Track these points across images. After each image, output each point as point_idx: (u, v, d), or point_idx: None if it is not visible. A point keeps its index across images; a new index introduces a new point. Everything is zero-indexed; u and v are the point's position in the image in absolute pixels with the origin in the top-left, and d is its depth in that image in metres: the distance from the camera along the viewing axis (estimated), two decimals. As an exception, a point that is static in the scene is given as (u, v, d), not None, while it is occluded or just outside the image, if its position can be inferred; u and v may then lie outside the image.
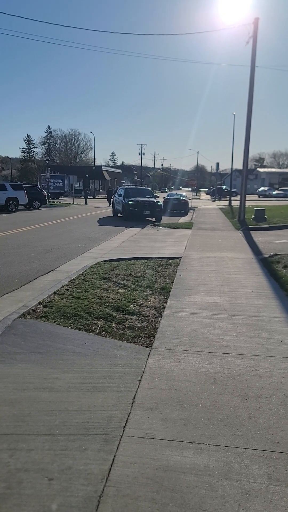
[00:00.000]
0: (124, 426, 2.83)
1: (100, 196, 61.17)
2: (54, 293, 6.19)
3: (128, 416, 2.96)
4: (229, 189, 51.64)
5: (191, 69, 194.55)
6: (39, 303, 5.65)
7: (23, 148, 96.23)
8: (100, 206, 34.29)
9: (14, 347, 4.25)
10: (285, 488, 2.28)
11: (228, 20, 44.51)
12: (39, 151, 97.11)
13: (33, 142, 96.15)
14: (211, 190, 69.13)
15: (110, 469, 2.40)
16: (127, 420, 2.90)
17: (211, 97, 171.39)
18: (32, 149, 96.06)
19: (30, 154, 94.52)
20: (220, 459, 2.51)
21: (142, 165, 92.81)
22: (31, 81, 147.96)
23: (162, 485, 2.28)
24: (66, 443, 2.64)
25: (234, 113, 54.93)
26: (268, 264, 8.79)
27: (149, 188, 26.34)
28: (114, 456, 2.52)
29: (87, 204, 37.77)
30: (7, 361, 3.90)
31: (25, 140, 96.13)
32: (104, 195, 48.26)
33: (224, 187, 68.56)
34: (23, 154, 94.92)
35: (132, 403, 3.14)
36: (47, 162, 57.62)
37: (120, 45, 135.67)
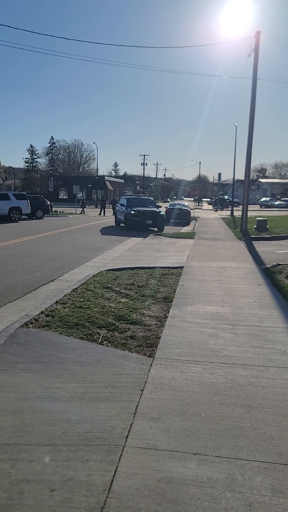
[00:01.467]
0: (127, 437, 2.81)
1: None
2: (57, 302, 6.20)
3: (131, 426, 2.94)
4: (231, 199, 51.77)
5: (193, 81, 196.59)
6: (42, 312, 5.65)
7: (27, 158, 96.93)
8: (99, 216, 34.55)
9: (16, 356, 4.25)
10: (289, 501, 2.25)
11: (230, 34, 45.12)
12: (42, 161, 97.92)
13: (36, 152, 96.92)
14: (213, 200, 69.36)
15: (112, 480, 2.38)
16: (129, 431, 2.89)
17: (213, 108, 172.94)
18: (35, 159, 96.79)
19: (34, 164, 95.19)
20: (223, 471, 2.49)
21: (145, 175, 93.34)
22: (34, 92, 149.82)
23: (165, 497, 2.26)
24: (68, 454, 2.62)
25: (236, 124, 55.18)
26: (270, 274, 8.78)
27: (151, 198, 26.45)
28: (116, 467, 2.50)
29: (85, 214, 37.89)
30: (9, 370, 3.90)
31: (28, 150, 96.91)
32: (108, 205, 48.50)
33: (226, 197, 68.78)
34: (26, 164, 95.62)
35: (135, 413, 3.12)
36: (50, 172, 57.98)
37: (122, 57, 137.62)
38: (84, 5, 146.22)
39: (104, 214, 35.68)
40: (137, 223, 20.23)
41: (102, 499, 2.23)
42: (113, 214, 33.24)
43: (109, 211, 36.64)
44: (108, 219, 28.56)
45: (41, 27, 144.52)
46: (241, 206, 22.83)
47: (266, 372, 3.94)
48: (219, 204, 56.59)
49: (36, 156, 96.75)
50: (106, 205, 37.56)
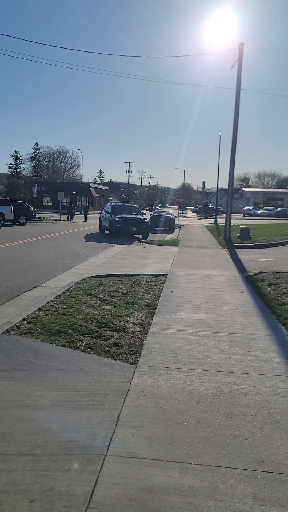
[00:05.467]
0: (108, 445, 2.78)
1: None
2: (39, 309, 6.12)
3: (113, 434, 2.91)
4: (215, 207, 52.32)
5: (179, 90, 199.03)
6: (24, 319, 5.57)
7: (11, 164, 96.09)
8: (81, 221, 34.82)
9: (-3, 364, 4.16)
10: (270, 508, 2.26)
11: (214, 45, 45.91)
12: (26, 167, 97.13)
13: (20, 158, 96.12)
14: (197, 208, 69.95)
15: (93, 490, 2.34)
16: (111, 439, 2.85)
17: (198, 118, 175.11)
18: (19, 165, 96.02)
19: (18, 170, 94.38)
20: (205, 479, 2.48)
21: (130, 182, 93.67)
22: (19, 98, 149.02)
23: (146, 506, 2.24)
24: (49, 464, 2.58)
25: (220, 134, 56.13)
26: (253, 282, 8.87)
27: (136, 205, 26.51)
28: (98, 476, 2.46)
29: (72, 220, 38.26)
30: (-11, 379, 3.81)
31: (12, 156, 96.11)
32: (91, 212, 48.92)
33: (210, 205, 69.42)
34: (10, 170, 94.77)
35: (117, 422, 3.09)
36: (34, 178, 57.47)
37: (108, 66, 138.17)
38: (69, 14, 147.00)
39: (71, 220, 37.92)
40: (122, 230, 20.23)
41: (83, 509, 2.19)
42: (84, 221, 34.83)
43: (79, 218, 38.51)
44: (90, 226, 28.45)
45: (26, 35, 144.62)
46: (224, 215, 23.07)
47: (248, 379, 3.96)
48: (203, 212, 57.10)
49: (20, 162, 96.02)
50: (76, 212, 39.67)
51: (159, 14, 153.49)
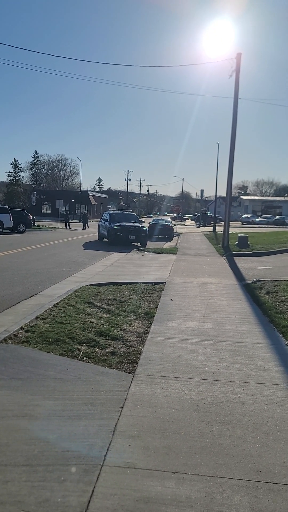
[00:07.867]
0: (105, 455, 2.76)
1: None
2: (37, 317, 6.11)
3: (109, 444, 2.90)
4: (213, 215, 52.51)
5: (177, 99, 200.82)
6: (21, 328, 5.56)
7: (10, 172, 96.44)
8: (80, 229, 35.02)
9: (-6, 373, 4.15)
10: (267, 519, 2.24)
11: (212, 54, 46.14)
12: (25, 175, 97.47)
13: (20, 166, 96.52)
14: (196, 216, 70.17)
15: (89, 501, 2.33)
16: (108, 449, 2.84)
17: (196, 126, 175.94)
18: (18, 173, 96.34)
19: (17, 178, 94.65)
20: (202, 490, 2.46)
21: (128, 190, 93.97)
22: (19, 106, 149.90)
23: (143, 517, 2.22)
24: (45, 474, 2.56)
25: (218, 142, 56.45)
26: (251, 290, 8.87)
27: (135, 214, 26.57)
28: (94, 487, 2.44)
29: (70, 228, 38.38)
30: (-14, 388, 3.80)
31: (11, 164, 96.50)
32: (91, 220, 49.13)
33: (208, 213, 69.69)
34: (9, 178, 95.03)
35: (114, 431, 3.07)
36: (33, 186, 57.63)
37: (107, 74, 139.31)
38: (68, 23, 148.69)
39: (69, 227, 38.26)
40: (120, 238, 20.26)
41: (79, 521, 2.17)
42: (83, 229, 35.02)
43: (77, 225, 39.46)
44: (89, 234, 28.47)
45: (24, 42, 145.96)
46: (223, 223, 23.13)
47: (246, 388, 3.95)
48: (201, 220, 57.26)
49: (19, 170, 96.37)
50: (70, 220, 41.40)
51: (158, 23, 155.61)
